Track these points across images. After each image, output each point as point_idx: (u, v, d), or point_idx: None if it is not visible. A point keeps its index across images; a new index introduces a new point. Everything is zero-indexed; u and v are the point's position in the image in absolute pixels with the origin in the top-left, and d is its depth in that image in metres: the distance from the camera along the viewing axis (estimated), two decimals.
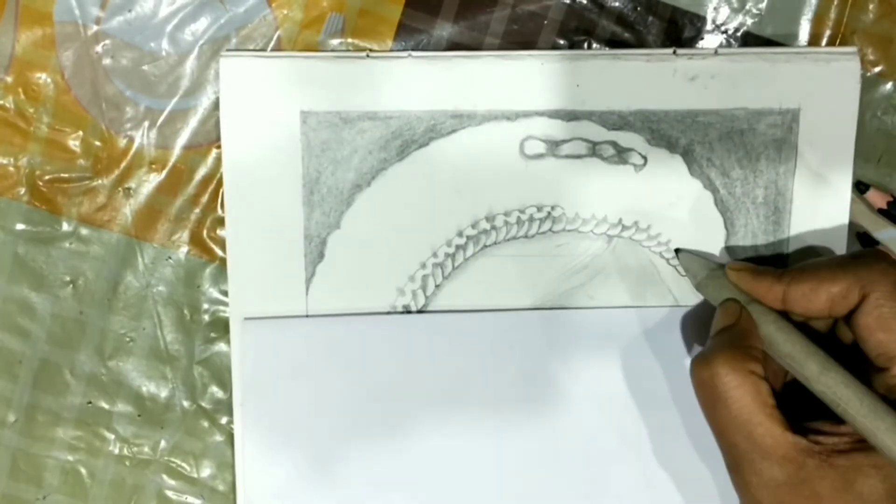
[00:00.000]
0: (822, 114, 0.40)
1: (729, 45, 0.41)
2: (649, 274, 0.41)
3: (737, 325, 0.36)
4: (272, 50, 0.41)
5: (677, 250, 0.41)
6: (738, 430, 0.34)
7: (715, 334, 0.36)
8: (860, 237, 0.41)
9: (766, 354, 0.36)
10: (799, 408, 0.35)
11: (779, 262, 0.41)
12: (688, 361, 0.40)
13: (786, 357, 0.35)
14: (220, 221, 0.42)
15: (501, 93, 0.40)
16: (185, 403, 0.42)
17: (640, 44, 0.41)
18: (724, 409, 0.34)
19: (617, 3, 0.41)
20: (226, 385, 0.42)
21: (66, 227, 0.42)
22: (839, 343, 0.37)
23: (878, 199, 0.41)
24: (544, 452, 0.41)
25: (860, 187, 0.41)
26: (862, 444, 0.33)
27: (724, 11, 0.41)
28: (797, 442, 0.33)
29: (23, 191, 0.41)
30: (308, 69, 0.40)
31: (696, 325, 0.41)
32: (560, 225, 0.41)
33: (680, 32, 0.41)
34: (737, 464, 0.34)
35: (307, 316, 0.41)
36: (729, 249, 0.41)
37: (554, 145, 0.41)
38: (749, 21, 0.41)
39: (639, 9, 0.41)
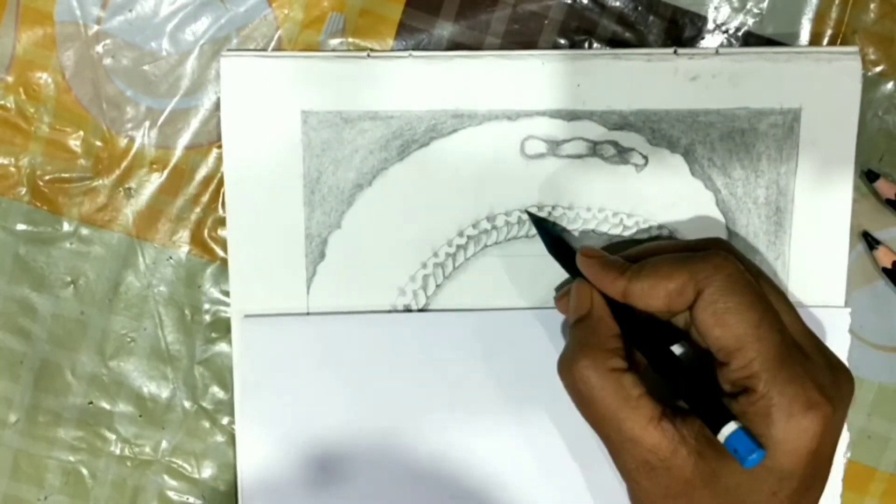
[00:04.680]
0: (824, 113, 0.40)
1: (730, 44, 0.41)
2: None
3: (591, 314, 0.36)
4: (273, 50, 0.41)
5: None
6: (608, 425, 0.35)
7: (572, 325, 0.37)
8: (863, 237, 0.41)
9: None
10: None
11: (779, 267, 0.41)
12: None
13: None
14: (221, 221, 0.42)
15: (502, 92, 0.40)
16: (187, 404, 0.42)
17: (641, 43, 0.41)
18: (592, 408, 0.35)
19: (618, 3, 0.41)
20: (227, 385, 0.42)
21: (66, 227, 0.42)
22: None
23: (887, 188, 0.41)
24: (545, 452, 0.41)
25: (870, 176, 0.41)
26: None
27: (725, 11, 0.41)
28: (666, 430, 0.34)
29: (24, 191, 0.41)
30: (309, 69, 0.40)
31: None
32: (561, 224, 0.41)
33: (681, 32, 0.41)
34: (615, 452, 0.35)
35: (308, 314, 0.41)
36: None
37: (555, 145, 0.41)
38: (750, 21, 0.41)
39: (640, 8, 0.41)
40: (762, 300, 0.34)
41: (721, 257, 0.35)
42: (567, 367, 0.36)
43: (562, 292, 0.39)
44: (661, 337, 0.36)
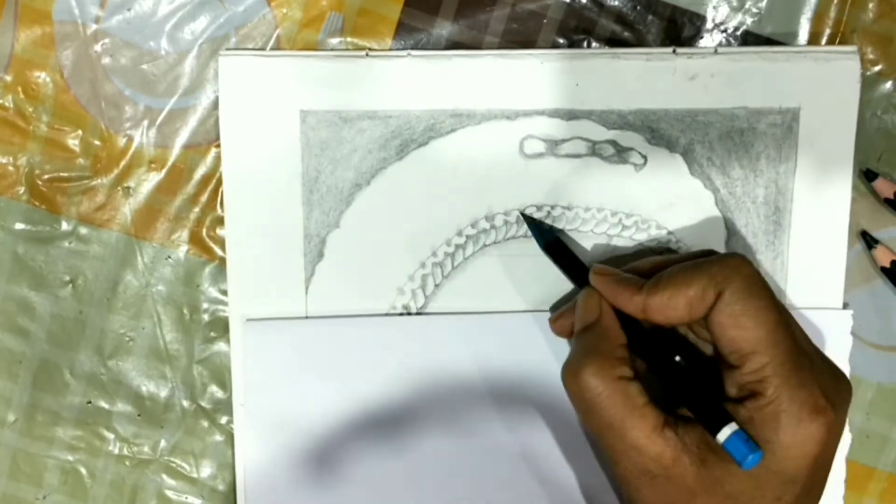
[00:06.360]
0: (822, 113, 0.40)
1: (729, 44, 0.41)
2: None
3: (599, 322, 0.36)
4: (271, 49, 0.41)
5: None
6: (613, 433, 0.34)
7: (579, 334, 0.37)
8: (862, 236, 0.41)
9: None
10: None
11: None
12: None
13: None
14: (220, 221, 0.42)
15: (501, 92, 0.40)
16: (185, 403, 0.42)
17: (640, 43, 0.41)
18: (597, 417, 0.35)
19: (616, 2, 0.41)
20: (225, 385, 0.42)
21: (65, 226, 0.42)
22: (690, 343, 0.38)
23: (885, 188, 0.41)
24: (543, 454, 0.41)
25: (868, 175, 0.41)
26: None
27: (724, 10, 0.41)
28: (669, 439, 0.34)
29: (22, 190, 0.41)
30: (307, 68, 0.40)
31: None
32: (560, 224, 0.41)
33: (679, 31, 0.41)
34: (616, 461, 0.35)
35: (307, 317, 0.41)
36: (730, 249, 0.41)
37: (554, 144, 0.41)
38: (749, 20, 0.41)
39: (638, 8, 0.41)
40: (778, 304, 0.34)
41: (738, 259, 0.35)
42: (573, 375, 0.35)
43: (557, 313, 0.39)
44: (663, 345, 0.37)
